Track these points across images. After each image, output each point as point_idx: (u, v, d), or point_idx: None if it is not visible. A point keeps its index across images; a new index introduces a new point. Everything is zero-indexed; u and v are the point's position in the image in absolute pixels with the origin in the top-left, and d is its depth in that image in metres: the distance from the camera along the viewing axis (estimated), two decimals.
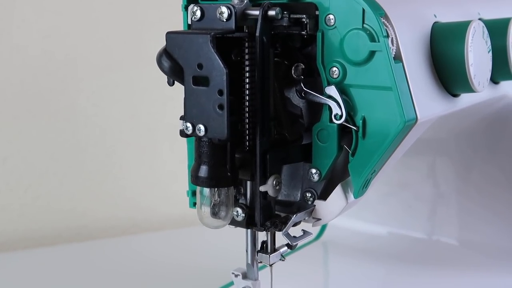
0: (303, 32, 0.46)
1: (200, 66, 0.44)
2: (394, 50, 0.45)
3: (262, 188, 0.47)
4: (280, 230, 0.48)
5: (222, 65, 0.43)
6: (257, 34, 0.44)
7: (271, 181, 0.47)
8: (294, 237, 0.50)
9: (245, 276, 0.52)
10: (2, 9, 0.88)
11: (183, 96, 0.45)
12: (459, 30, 0.49)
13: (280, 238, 0.50)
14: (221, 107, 0.43)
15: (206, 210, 0.47)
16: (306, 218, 0.50)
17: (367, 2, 0.44)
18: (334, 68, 0.46)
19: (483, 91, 0.52)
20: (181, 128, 0.46)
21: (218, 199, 0.47)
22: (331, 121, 0.46)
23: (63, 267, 0.82)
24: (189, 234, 0.91)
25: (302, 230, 0.51)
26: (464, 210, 0.76)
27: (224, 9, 0.44)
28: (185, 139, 0.49)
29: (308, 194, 0.50)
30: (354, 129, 0.46)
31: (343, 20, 0.45)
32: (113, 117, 0.96)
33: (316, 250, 0.80)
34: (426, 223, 0.79)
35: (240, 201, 0.49)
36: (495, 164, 0.72)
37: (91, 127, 0.95)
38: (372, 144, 0.45)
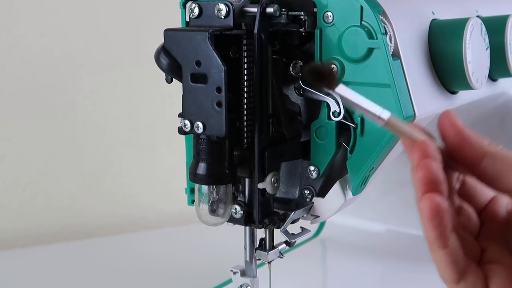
0: (301, 29, 0.46)
1: (198, 63, 0.44)
2: (392, 47, 0.45)
3: (260, 186, 0.47)
4: (278, 228, 0.48)
5: (220, 63, 0.43)
6: (255, 31, 0.45)
7: (269, 179, 0.47)
8: (293, 234, 0.50)
9: (243, 274, 0.52)
10: (1, 7, 0.88)
11: (182, 93, 0.45)
12: (457, 27, 0.49)
13: (279, 235, 0.50)
14: (219, 104, 0.43)
15: (205, 207, 0.47)
16: (305, 215, 0.50)
17: None
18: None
19: (481, 88, 0.52)
20: (180, 125, 0.46)
21: (217, 197, 0.47)
22: (329, 118, 0.46)
23: (62, 265, 0.82)
24: (188, 231, 0.91)
25: (301, 227, 0.51)
26: None
27: (222, 6, 0.44)
28: (183, 136, 0.49)
29: (307, 191, 0.50)
30: (352, 127, 0.46)
31: (341, 17, 0.45)
32: (111, 115, 0.96)
33: (314, 247, 0.80)
34: None
35: (239, 198, 0.49)
36: None
37: (90, 125, 0.95)
38: (370, 142, 0.45)
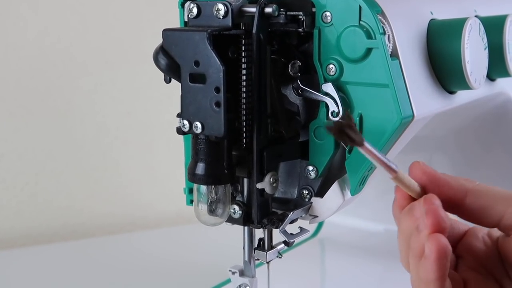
0: (300, 29, 0.46)
1: (196, 63, 0.44)
2: (391, 47, 0.45)
3: (259, 186, 0.47)
4: (277, 227, 0.48)
5: (219, 63, 0.43)
6: (254, 31, 0.44)
7: (268, 179, 0.47)
8: (291, 234, 0.50)
9: (242, 274, 0.52)
10: None
11: (180, 93, 0.45)
12: (455, 27, 0.49)
13: (277, 235, 0.50)
14: (218, 104, 0.43)
15: (203, 207, 0.47)
16: (303, 215, 0.50)
17: None
18: (331, 65, 0.46)
19: (480, 88, 0.52)
20: (178, 125, 0.46)
21: (215, 197, 0.47)
22: (328, 118, 0.46)
23: (61, 264, 0.82)
24: (186, 231, 0.91)
25: (299, 227, 0.51)
26: None
27: (220, 6, 0.44)
28: (181, 136, 0.49)
29: (305, 191, 0.50)
30: None
31: (340, 17, 0.45)
32: (110, 114, 0.96)
33: (313, 247, 0.80)
34: None
35: (237, 198, 0.49)
36: (491, 161, 0.73)
37: (88, 124, 0.95)
38: (369, 141, 0.45)
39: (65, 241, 0.93)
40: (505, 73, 0.57)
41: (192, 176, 0.46)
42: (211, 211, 0.47)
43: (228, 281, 0.54)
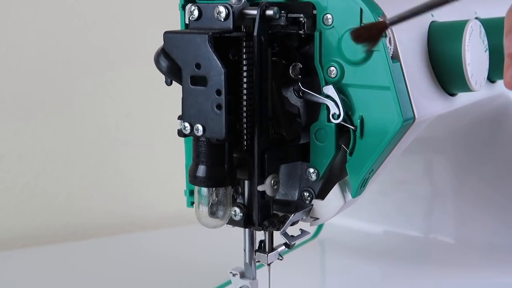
0: (301, 32, 0.46)
1: (198, 66, 0.44)
2: (392, 50, 0.45)
3: (260, 188, 0.47)
4: (278, 230, 0.48)
5: (220, 65, 0.43)
6: (255, 33, 0.44)
7: (269, 181, 0.47)
8: (292, 236, 0.50)
9: (243, 275, 0.52)
10: None
11: (180, 94, 0.45)
12: (456, 29, 0.50)
13: (278, 237, 0.50)
14: (219, 107, 0.43)
15: (204, 209, 0.47)
16: (304, 217, 0.50)
17: (365, 1, 0.44)
18: (332, 68, 0.46)
19: (480, 90, 0.52)
20: (179, 128, 0.46)
21: (216, 199, 0.47)
22: (329, 120, 0.46)
23: (60, 265, 0.82)
24: (187, 232, 0.91)
25: (300, 229, 0.51)
26: (460, 208, 0.76)
27: (222, 8, 0.44)
28: (181, 137, 0.49)
29: (306, 194, 0.50)
30: (352, 129, 0.46)
31: (341, 19, 0.45)
32: (109, 115, 0.96)
33: (313, 248, 0.80)
34: (422, 221, 0.79)
35: (238, 200, 0.49)
36: (492, 163, 0.73)
37: (88, 126, 0.95)
38: (370, 144, 0.45)
39: (65, 242, 0.93)
40: None
41: (193, 179, 0.46)
42: (212, 213, 0.47)
43: (229, 282, 0.54)
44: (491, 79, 0.58)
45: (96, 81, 0.95)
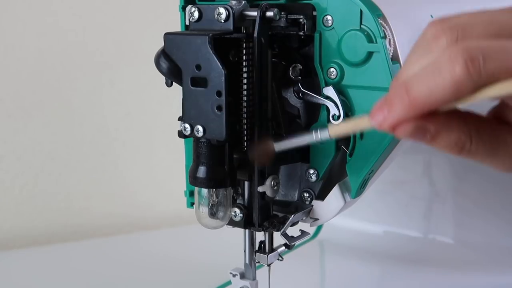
0: (301, 33, 0.47)
1: (198, 67, 0.44)
2: (392, 51, 0.45)
3: (260, 189, 0.47)
4: (278, 230, 0.48)
5: (220, 66, 0.43)
6: (255, 35, 0.45)
7: (269, 182, 0.47)
8: (292, 237, 0.50)
9: (243, 276, 0.52)
10: None
11: (180, 95, 0.45)
12: None
13: (278, 238, 0.50)
14: (219, 108, 0.43)
15: (204, 210, 0.48)
16: (304, 218, 0.50)
17: (365, 3, 0.45)
18: (332, 69, 0.46)
19: None
20: (180, 129, 0.46)
21: (216, 200, 0.47)
22: (329, 121, 0.47)
23: (60, 266, 0.82)
24: (186, 233, 0.91)
25: (300, 230, 0.51)
26: (460, 208, 0.77)
27: (222, 10, 0.44)
28: (180, 138, 0.49)
29: (306, 194, 0.50)
30: None
31: (341, 21, 0.45)
32: (108, 116, 0.96)
33: (312, 249, 0.80)
34: (421, 221, 0.79)
35: (238, 201, 0.50)
36: None
37: (87, 126, 0.95)
38: (369, 145, 0.46)
39: (65, 242, 0.93)
40: None
41: (193, 180, 0.46)
42: (212, 214, 0.47)
43: (229, 283, 0.54)
44: None
45: (96, 82, 0.95)
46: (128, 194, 0.99)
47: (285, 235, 0.49)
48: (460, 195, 0.76)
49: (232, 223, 0.49)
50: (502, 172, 0.38)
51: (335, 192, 0.49)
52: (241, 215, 0.48)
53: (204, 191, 0.47)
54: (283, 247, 0.51)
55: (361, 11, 0.44)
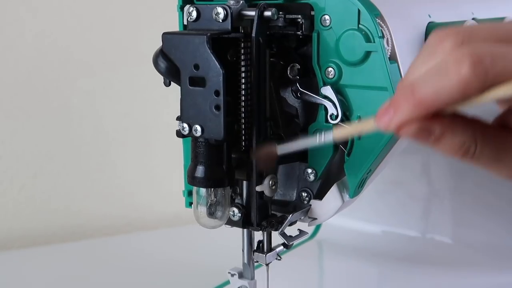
0: (299, 33, 0.47)
1: (196, 67, 0.44)
2: (390, 51, 0.45)
3: (258, 188, 0.47)
4: (276, 230, 0.49)
5: (218, 66, 0.43)
6: (253, 34, 0.45)
7: (267, 181, 0.47)
8: (290, 236, 0.50)
9: (241, 276, 0.52)
10: None
11: (178, 95, 0.45)
12: None
13: (276, 238, 0.50)
14: (217, 107, 0.43)
15: (203, 210, 0.48)
16: (302, 217, 0.50)
17: (363, 2, 0.45)
18: (330, 69, 0.46)
19: None
20: (178, 128, 0.46)
21: (215, 199, 0.47)
22: (327, 121, 0.47)
23: (58, 266, 0.82)
24: (185, 233, 0.91)
25: (298, 229, 0.51)
26: (458, 208, 0.77)
27: (220, 9, 0.44)
28: (179, 138, 0.49)
29: (304, 194, 0.50)
30: None
31: (339, 20, 0.45)
32: (107, 116, 0.96)
33: (311, 248, 0.80)
34: (420, 221, 0.79)
35: (236, 201, 0.50)
36: None
37: (85, 126, 0.95)
38: (367, 144, 0.46)
39: (63, 243, 0.93)
40: None
41: (191, 179, 0.46)
42: (211, 214, 0.48)
43: (227, 283, 0.54)
44: None
45: (94, 82, 0.95)
46: (127, 194, 0.99)
47: (283, 234, 0.49)
48: (458, 194, 0.76)
49: (230, 222, 0.49)
50: (506, 179, 0.38)
51: (333, 191, 0.49)
52: (240, 214, 0.48)
53: (203, 190, 0.47)
54: (282, 247, 0.51)
55: (359, 10, 0.45)
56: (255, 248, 0.51)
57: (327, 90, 0.46)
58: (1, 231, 0.92)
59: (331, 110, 0.46)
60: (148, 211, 1.00)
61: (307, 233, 0.52)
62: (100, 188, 0.97)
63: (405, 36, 0.48)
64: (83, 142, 0.95)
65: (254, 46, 0.45)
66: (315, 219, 0.50)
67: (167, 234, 0.94)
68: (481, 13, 0.59)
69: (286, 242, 0.50)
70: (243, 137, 0.46)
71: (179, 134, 0.47)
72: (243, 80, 0.45)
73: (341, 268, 0.75)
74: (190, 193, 0.53)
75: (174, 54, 0.45)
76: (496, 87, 0.32)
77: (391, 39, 0.46)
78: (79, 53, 0.93)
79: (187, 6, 0.46)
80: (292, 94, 0.49)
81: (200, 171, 0.46)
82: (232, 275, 0.52)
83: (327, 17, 0.46)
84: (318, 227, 0.83)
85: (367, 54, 0.45)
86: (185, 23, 0.47)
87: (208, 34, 0.43)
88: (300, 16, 0.46)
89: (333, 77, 0.46)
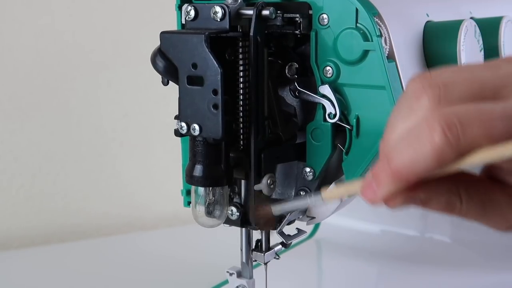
0: (297, 32, 0.47)
1: (194, 66, 0.44)
2: (387, 49, 0.45)
3: (256, 187, 0.47)
4: (274, 229, 0.48)
5: (216, 65, 0.43)
6: (251, 33, 0.45)
7: (265, 180, 0.47)
8: (289, 235, 0.50)
9: (239, 275, 0.52)
10: None
11: (176, 94, 0.45)
12: (451, 29, 0.50)
13: (275, 237, 0.50)
14: (215, 106, 0.44)
15: (201, 209, 0.48)
16: (301, 216, 0.50)
17: (360, 1, 0.45)
18: (328, 68, 0.46)
19: None
20: (176, 127, 0.46)
21: (213, 198, 0.47)
22: (325, 120, 0.47)
23: (57, 266, 0.82)
24: (184, 232, 0.91)
25: (297, 228, 0.51)
26: None
27: (218, 8, 0.44)
28: (178, 137, 0.49)
29: (302, 193, 0.50)
30: (348, 128, 0.46)
31: (337, 19, 0.45)
32: (106, 116, 0.96)
33: (309, 248, 0.80)
34: (418, 220, 0.79)
35: (235, 200, 0.50)
36: None
37: (84, 126, 0.95)
38: (366, 143, 0.46)
39: (62, 243, 0.93)
40: None
41: (190, 178, 0.46)
42: (209, 213, 0.48)
43: (226, 282, 0.54)
44: None
45: (93, 82, 0.95)
46: (126, 194, 0.99)
47: (281, 233, 0.49)
48: None
49: (228, 221, 0.49)
50: (497, 231, 0.38)
51: None
52: (238, 213, 0.48)
53: (201, 189, 0.47)
54: (280, 246, 0.51)
55: (356, 9, 0.45)
56: (253, 247, 0.51)
57: (325, 89, 0.46)
58: (0, 231, 0.92)
59: (329, 109, 0.46)
60: (147, 211, 1.00)
61: (306, 232, 0.52)
62: (99, 188, 0.97)
63: (403, 35, 0.48)
64: (82, 142, 0.95)
65: (252, 45, 0.45)
66: (314, 218, 0.50)
67: (165, 233, 0.94)
68: (479, 12, 0.59)
69: (284, 241, 0.50)
70: (241, 136, 0.46)
71: (177, 133, 0.47)
72: (241, 79, 0.45)
73: (339, 267, 0.75)
74: (188, 192, 0.53)
75: (172, 53, 0.45)
76: (472, 153, 0.31)
77: (389, 38, 0.46)
78: (78, 53, 0.93)
79: (185, 5, 0.46)
80: (290, 93, 0.49)
81: (198, 170, 0.46)
82: (231, 274, 0.52)
83: (325, 16, 0.46)
84: (316, 226, 0.83)
85: (365, 53, 0.45)
86: (183, 22, 0.47)
87: (206, 33, 0.43)
88: (298, 15, 0.46)
89: (331, 76, 0.46)
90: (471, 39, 0.51)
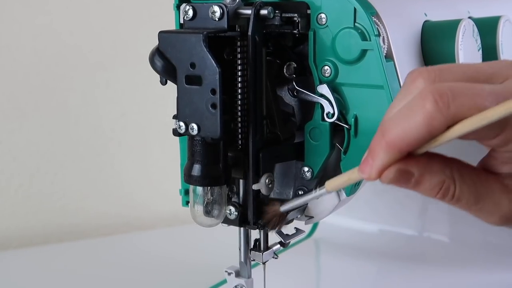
0: (295, 31, 0.47)
1: (193, 65, 0.44)
2: (386, 49, 0.46)
3: (255, 187, 0.47)
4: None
5: (215, 65, 0.43)
6: (250, 33, 0.45)
7: (263, 180, 0.47)
8: (287, 235, 0.50)
9: (238, 274, 0.52)
10: None
11: (175, 94, 0.45)
12: (449, 28, 0.50)
13: (273, 236, 0.50)
14: (214, 106, 0.44)
15: (199, 208, 0.48)
16: (299, 216, 0.50)
17: (359, 1, 0.45)
18: (326, 67, 0.46)
19: None
20: (174, 127, 0.46)
21: (211, 198, 0.47)
22: (323, 119, 0.47)
23: (55, 266, 0.82)
24: (182, 232, 0.91)
25: (295, 228, 0.51)
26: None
27: (216, 8, 0.44)
28: (176, 137, 0.49)
29: (301, 192, 0.50)
30: (346, 128, 0.46)
31: (335, 19, 0.45)
32: (104, 116, 0.96)
33: (308, 247, 0.80)
34: (417, 220, 0.79)
35: (233, 199, 0.50)
36: None
37: (83, 126, 0.95)
38: (364, 142, 0.46)
39: (60, 243, 0.93)
40: None
41: (188, 178, 0.46)
42: (207, 212, 0.48)
43: (224, 281, 0.54)
44: None
45: (91, 82, 0.95)
46: (124, 194, 0.99)
47: (280, 233, 0.49)
48: None
49: (227, 221, 0.49)
50: (490, 225, 0.38)
51: None
52: (236, 213, 0.48)
53: (199, 189, 0.47)
54: (278, 245, 0.51)
55: (355, 9, 0.45)
56: (252, 247, 0.51)
57: (324, 89, 0.46)
58: None
59: (328, 108, 0.46)
60: (145, 210, 1.00)
61: (304, 231, 0.52)
62: (98, 188, 0.97)
63: (401, 34, 0.48)
64: (81, 142, 0.95)
65: (250, 44, 0.45)
66: (312, 217, 0.50)
67: (164, 233, 0.94)
68: (477, 12, 0.59)
69: (283, 240, 0.50)
70: (240, 135, 0.46)
71: (175, 132, 0.47)
72: (239, 79, 0.45)
73: (338, 266, 0.75)
74: (187, 192, 0.53)
75: (170, 53, 0.45)
76: (460, 122, 0.33)
77: (387, 38, 0.46)
78: (76, 53, 0.93)
79: (184, 4, 0.46)
80: (289, 93, 0.49)
81: (196, 169, 0.46)
82: (229, 273, 0.52)
83: (323, 15, 0.46)
84: (315, 226, 0.83)
85: (363, 52, 0.45)
86: (182, 21, 0.47)
87: (205, 32, 0.43)
88: (296, 14, 0.46)
89: (330, 76, 0.46)
90: (469, 38, 0.51)
